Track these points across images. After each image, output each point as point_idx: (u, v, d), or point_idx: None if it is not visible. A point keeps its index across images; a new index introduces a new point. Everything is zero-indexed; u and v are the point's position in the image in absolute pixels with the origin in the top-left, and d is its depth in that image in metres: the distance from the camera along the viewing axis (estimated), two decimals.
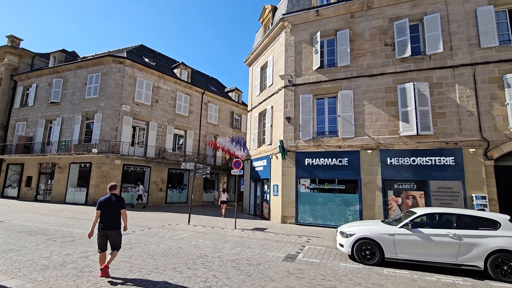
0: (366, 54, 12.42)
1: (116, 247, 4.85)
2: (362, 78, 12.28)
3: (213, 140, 24.25)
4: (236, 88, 30.10)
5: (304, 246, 7.83)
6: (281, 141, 12.70)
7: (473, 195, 9.90)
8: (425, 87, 11.14)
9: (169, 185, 21.33)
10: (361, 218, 11.19)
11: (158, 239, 8.09)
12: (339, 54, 12.79)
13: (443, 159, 10.50)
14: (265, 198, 14.62)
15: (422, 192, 10.60)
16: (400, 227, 6.09)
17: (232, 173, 11.14)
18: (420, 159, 10.78)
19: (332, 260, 6.52)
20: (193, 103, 24.05)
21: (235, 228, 10.54)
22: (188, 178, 22.66)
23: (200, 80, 27.38)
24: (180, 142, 23.16)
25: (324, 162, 12.19)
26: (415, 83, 11.20)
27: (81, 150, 18.13)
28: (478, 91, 10.55)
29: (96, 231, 4.82)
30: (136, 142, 19.85)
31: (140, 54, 22.27)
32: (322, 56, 13.19)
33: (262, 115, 16.51)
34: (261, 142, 16.28)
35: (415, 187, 10.76)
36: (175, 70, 24.17)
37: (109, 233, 4.77)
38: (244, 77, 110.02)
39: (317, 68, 13.07)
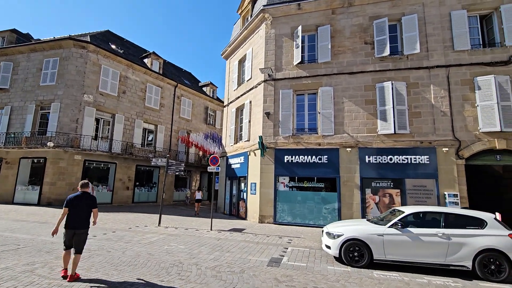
0: (347, 52, 12.32)
1: (79, 249, 4.61)
2: (342, 75, 12.16)
3: (186, 136, 23.09)
4: (211, 83, 29.05)
5: (287, 248, 7.39)
6: (261, 137, 12.19)
7: (445, 193, 10.18)
8: (402, 86, 11.28)
9: (137, 183, 19.86)
10: (339, 217, 11.07)
11: (124, 244, 7.15)
12: (320, 50, 12.56)
13: (419, 158, 10.70)
14: (241, 196, 14.03)
15: (399, 190, 10.72)
16: (389, 227, 5.86)
17: (208, 170, 10.39)
18: (397, 158, 10.89)
19: (318, 263, 6.13)
20: (165, 96, 22.67)
21: (211, 229, 9.83)
22: (158, 176, 21.31)
23: (173, 73, 25.96)
24: (150, 138, 21.70)
25: (303, 160, 11.89)
26: (393, 82, 11.30)
27: (34, 144, 16.11)
28: (451, 92, 10.89)
29: (62, 230, 4.61)
30: (100, 136, 18.14)
31: (106, 40, 20.41)
32: (303, 51, 12.87)
33: (239, 110, 15.86)
34: (238, 138, 15.64)
35: (392, 185, 10.85)
36: (145, 60, 22.57)
37: (77, 232, 4.59)
38: (219, 72, 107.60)
39: (298, 63, 12.73)
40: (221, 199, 16.21)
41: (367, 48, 12.08)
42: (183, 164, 10.80)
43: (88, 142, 16.76)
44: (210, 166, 10.45)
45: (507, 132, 10.04)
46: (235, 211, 14.56)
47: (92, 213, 4.85)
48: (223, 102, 29.84)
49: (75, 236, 4.58)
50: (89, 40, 17.68)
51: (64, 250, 4.56)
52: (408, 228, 5.74)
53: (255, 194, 12.57)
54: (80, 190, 4.81)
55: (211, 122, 27.88)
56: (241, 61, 16.32)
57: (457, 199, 9.99)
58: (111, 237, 8.04)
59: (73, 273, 4.44)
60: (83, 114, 16.89)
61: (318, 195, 11.60)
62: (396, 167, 10.84)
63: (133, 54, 22.35)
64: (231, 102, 16.71)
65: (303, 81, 12.63)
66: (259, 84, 13.48)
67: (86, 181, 4.95)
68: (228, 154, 15.93)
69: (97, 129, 18.12)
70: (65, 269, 4.53)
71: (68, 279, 4.38)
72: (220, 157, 16.75)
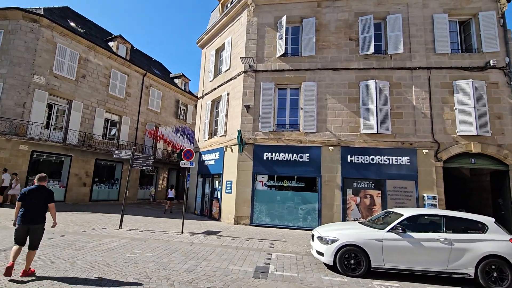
0: (331, 47, 11.90)
1: (35, 246, 4.38)
2: (326, 71, 11.71)
3: (154, 129, 21.33)
4: (183, 75, 27.38)
5: (271, 254, 6.59)
6: (240, 131, 11.27)
7: (424, 195, 10.15)
8: (385, 86, 11.11)
9: (96, 179, 17.79)
10: (319, 218, 10.57)
11: (75, 252, 5.83)
12: (304, 43, 11.99)
13: (400, 159, 10.57)
14: (215, 196, 12.99)
15: (379, 192, 10.50)
16: (389, 231, 5.34)
17: (181, 165, 9.22)
18: (379, 158, 10.67)
19: (310, 272, 5.42)
20: (132, 84, 20.69)
21: (182, 232, 8.71)
22: (121, 172, 19.33)
23: (141, 61, 23.92)
24: (113, 131, 19.61)
25: (284, 157, 11.22)
26: (376, 81, 11.08)
27: None
28: (432, 95, 10.93)
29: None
30: (53, 125, 15.87)
31: (63, 17, 17.99)
32: (286, 43, 12.20)
33: (215, 102, 14.78)
34: (212, 133, 14.55)
35: (373, 186, 10.60)
36: (110, 44, 20.40)
37: (32, 227, 4.36)
38: (192, 64, 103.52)
39: (281, 55, 12.04)
40: (191, 198, 15.00)
41: (352, 44, 11.76)
42: (151, 158, 9.50)
43: (38, 131, 14.51)
44: (183, 160, 9.30)
45: (482, 136, 10.27)
46: (208, 211, 13.47)
47: (48, 208, 4.59)
48: (195, 96, 28.42)
49: (30, 232, 4.34)
50: (42, 13, 15.34)
51: (14, 245, 4.26)
52: (409, 233, 5.25)
53: (230, 193, 11.64)
54: (36, 184, 4.57)
55: (182, 117, 26.25)
56: (219, 51, 15.24)
57: (435, 201, 9.99)
58: (58, 242, 6.61)
59: (27, 268, 4.25)
60: (32, 98, 14.59)
61: (299, 195, 11.00)
62: (378, 167, 10.62)
63: (96, 35, 20.07)
64: (206, 94, 15.55)
65: (286, 74, 11.97)
66: (239, 75, 12.56)
67: (43, 174, 4.70)
68: (201, 150, 14.77)
69: (50, 117, 15.83)
70: (12, 262, 4.16)
71: (21, 274, 4.18)
72: None
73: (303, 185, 11.06)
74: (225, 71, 13.90)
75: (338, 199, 10.63)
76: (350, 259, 5.27)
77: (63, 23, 16.68)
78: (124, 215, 9.46)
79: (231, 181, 11.71)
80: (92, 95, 17.63)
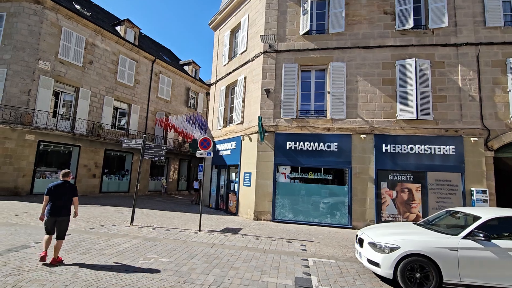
0: (363, 22, 10.53)
1: (61, 236, 4.74)
2: (357, 49, 10.39)
3: (164, 118, 20.44)
4: (193, 62, 26.24)
5: (307, 260, 5.57)
6: (260, 118, 10.16)
7: (472, 189, 8.90)
8: (426, 65, 9.75)
9: (106, 170, 17.12)
10: (350, 214, 9.50)
11: (79, 258, 4.96)
12: (332, 19, 10.64)
13: (443, 148, 9.30)
14: (232, 188, 12.04)
15: (419, 185, 9.30)
16: (465, 238, 4.21)
17: (198, 155, 8.23)
18: (418, 147, 9.42)
19: (363, 287, 4.38)
20: (141, 71, 19.73)
21: (199, 230, 7.79)
22: (131, 162, 18.62)
23: (150, 47, 22.87)
24: (123, 122, 18.80)
25: (309, 147, 10.10)
26: (416, 59, 9.72)
27: None
28: (481, 74, 9.53)
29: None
30: (61, 114, 15.12)
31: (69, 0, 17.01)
32: (311, 19, 10.86)
33: (230, 88, 13.66)
34: (227, 121, 13.50)
35: (411, 179, 9.40)
36: (118, 28, 19.39)
37: (58, 219, 4.73)
38: (202, 52, 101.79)
39: (305, 33, 10.76)
40: (206, 191, 14.10)
41: (387, 19, 10.36)
42: (164, 148, 8.53)
43: (44, 119, 13.77)
44: (199, 150, 8.30)
45: None
46: (223, 205, 12.56)
47: (72, 202, 4.96)
48: (206, 84, 27.34)
49: (57, 223, 4.70)
50: None
51: (46, 235, 4.66)
52: (493, 241, 4.12)
53: (249, 186, 10.65)
54: (61, 179, 4.95)
55: (193, 106, 25.26)
56: (234, 31, 14.01)
57: (485, 196, 8.74)
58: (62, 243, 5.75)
59: (55, 256, 4.59)
60: (37, 85, 13.80)
61: (325, 188, 9.91)
62: (418, 158, 9.38)
63: (103, 20, 19.06)
64: (220, 79, 14.43)
65: (311, 54, 10.71)
66: (257, 57, 11.36)
67: (67, 170, 5.07)
68: (215, 139, 13.77)
69: (56, 105, 15.08)
70: (45, 251, 4.60)
71: (51, 261, 4.53)
72: None
73: (330, 178, 9.95)
74: (241, 53, 12.71)
75: (371, 193, 9.50)
76: (415, 272, 4.20)
77: (68, 5, 15.69)
78: (136, 208, 8.61)
79: (250, 173, 10.70)
80: (100, 82, 16.76)
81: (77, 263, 4.67)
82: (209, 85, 28.79)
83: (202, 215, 8.13)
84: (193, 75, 25.85)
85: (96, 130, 16.16)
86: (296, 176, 10.21)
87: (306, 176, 10.12)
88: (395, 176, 9.50)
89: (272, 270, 4.85)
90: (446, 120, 9.47)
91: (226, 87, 13.68)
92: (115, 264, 4.72)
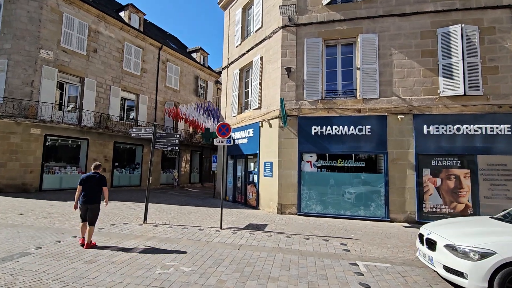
0: None
1: (92, 222, 5.17)
2: (390, 17, 9.06)
3: (173, 108, 19.54)
4: (201, 48, 25.09)
5: (356, 265, 4.58)
6: (282, 100, 9.07)
7: None
8: (474, 31, 8.38)
9: (116, 164, 16.47)
10: (387, 205, 8.42)
11: (84, 267, 4.11)
12: None
13: (496, 128, 8.03)
14: (250, 179, 11.10)
15: (468, 171, 8.10)
16: None
17: (216, 144, 7.28)
18: (466, 128, 8.18)
19: None
20: (147, 60, 18.75)
21: (221, 228, 6.90)
22: (141, 155, 17.92)
23: (156, 34, 21.78)
24: (131, 115, 17.97)
25: (337, 131, 8.98)
26: (462, 25, 8.35)
27: None
28: None
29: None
30: (66, 105, 14.38)
31: None
32: None
33: (244, 71, 12.54)
34: (243, 107, 12.44)
35: (458, 164, 8.20)
36: (121, 14, 18.36)
37: (90, 206, 5.20)
38: (210, 38, 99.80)
39: (329, 3, 9.48)
40: (220, 183, 13.20)
41: None
42: (177, 136, 7.59)
43: (49, 112, 13.04)
44: (218, 137, 7.32)
45: None
46: (241, 197, 11.66)
47: (102, 191, 5.38)
48: (215, 72, 26.22)
49: (89, 210, 5.19)
50: None
51: (81, 222, 5.23)
52: None
53: (271, 176, 9.67)
54: (92, 171, 5.43)
55: (202, 95, 24.25)
56: (246, 8, 12.77)
57: None
58: (66, 249, 4.95)
59: (88, 241, 5.06)
60: (40, 76, 13.03)
61: (358, 177, 8.83)
62: (466, 139, 8.15)
63: (106, 5, 18.03)
64: (232, 62, 13.30)
65: (336, 26, 9.45)
66: (275, 33, 10.17)
67: (98, 163, 5.58)
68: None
69: (61, 97, 14.34)
70: (83, 238, 5.13)
71: (85, 247, 5.01)
72: None
73: (363, 165, 8.84)
74: (256, 31, 11.51)
75: (411, 182, 8.37)
76: None
77: None
78: (149, 203, 7.78)
79: (271, 162, 9.71)
80: (105, 72, 15.90)
81: (80, 277, 3.81)
82: (219, 72, 27.73)
83: (219, 208, 7.21)
84: (202, 63, 24.74)
85: (104, 122, 15.40)
86: (324, 164, 9.15)
87: (334, 164, 9.04)
88: (439, 162, 8.31)
89: (320, 281, 3.88)
90: (499, 95, 8.16)
91: (239, 70, 12.57)
92: (126, 276, 3.84)
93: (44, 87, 13.10)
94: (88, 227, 5.08)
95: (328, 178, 9.01)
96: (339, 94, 9.40)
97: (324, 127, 9.10)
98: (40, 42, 13.05)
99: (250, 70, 11.97)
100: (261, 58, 10.94)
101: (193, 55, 24.97)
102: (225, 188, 12.84)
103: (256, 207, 10.34)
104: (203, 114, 17.64)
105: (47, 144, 13.35)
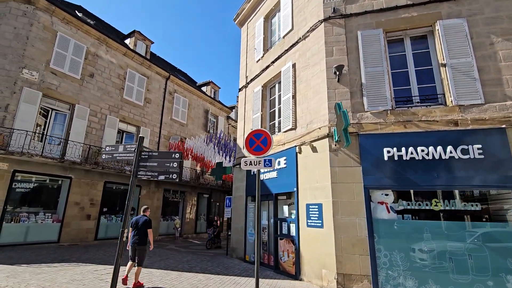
0: None
1: (140, 263, 5.54)
2: None
3: (179, 142, 16.80)
4: (212, 82, 23.40)
5: None
6: (340, 105, 6.03)
7: None
8: None
9: (104, 210, 13.15)
10: None
11: None
12: None
13: None
14: (284, 231, 7.59)
15: None
16: None
17: (244, 167, 4.22)
18: None
19: None
20: (152, 89, 16.67)
21: None
22: (138, 198, 14.66)
23: (164, 65, 20.21)
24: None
25: (425, 154, 5.80)
26: None
27: None
28: None
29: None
30: (47, 135, 11.73)
31: (71, 8, 14.73)
32: None
33: (268, 87, 9.93)
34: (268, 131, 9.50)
35: None
36: (127, 41, 16.87)
37: (138, 248, 5.56)
38: (219, 74, 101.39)
39: None
40: (237, 235, 9.67)
41: None
42: (177, 156, 4.48)
43: (22, 142, 10.31)
44: (247, 158, 4.20)
45: None
46: (270, 258, 8.01)
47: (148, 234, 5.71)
48: (226, 107, 24.15)
49: (137, 251, 5.54)
50: None
51: (130, 261, 5.62)
52: None
53: (320, 226, 6.26)
54: (142, 214, 5.97)
55: (212, 130, 21.75)
56: (269, 16, 10.69)
57: None
58: None
59: (136, 281, 5.39)
60: (19, 99, 10.66)
61: (475, 228, 5.36)
62: None
63: (109, 31, 16.63)
64: (252, 80, 10.78)
65: (401, 14, 6.93)
66: (314, 29, 7.71)
67: (146, 206, 6.23)
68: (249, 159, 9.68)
69: (45, 125, 11.79)
70: (126, 275, 5.51)
71: (132, 286, 5.34)
72: (234, 166, 10.54)
73: (477, 208, 5.43)
74: (284, 36, 9.16)
75: None
76: None
77: (67, 9, 13.20)
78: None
79: (319, 205, 6.38)
80: (102, 99, 13.61)
81: None
82: (231, 108, 25.70)
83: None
84: (212, 96, 22.78)
85: (94, 156, 12.55)
86: (408, 207, 5.77)
87: (427, 208, 5.65)
88: None
89: None
90: None
91: (262, 86, 9.96)
92: None
93: (21, 113, 10.62)
94: (136, 268, 5.45)
95: (421, 230, 5.54)
96: (417, 102, 6.44)
97: (403, 149, 5.94)
98: (24, 61, 10.97)
99: (277, 85, 9.35)
100: (293, 65, 8.35)
101: (204, 88, 23.20)
102: (244, 243, 9.23)
103: (296, 276, 6.69)
104: (213, 148, 14.77)
105: (14, 183, 10.37)
